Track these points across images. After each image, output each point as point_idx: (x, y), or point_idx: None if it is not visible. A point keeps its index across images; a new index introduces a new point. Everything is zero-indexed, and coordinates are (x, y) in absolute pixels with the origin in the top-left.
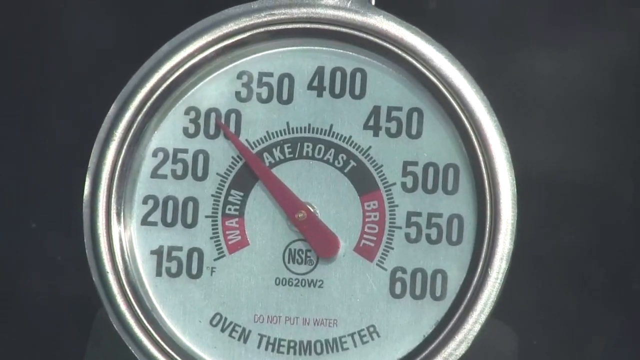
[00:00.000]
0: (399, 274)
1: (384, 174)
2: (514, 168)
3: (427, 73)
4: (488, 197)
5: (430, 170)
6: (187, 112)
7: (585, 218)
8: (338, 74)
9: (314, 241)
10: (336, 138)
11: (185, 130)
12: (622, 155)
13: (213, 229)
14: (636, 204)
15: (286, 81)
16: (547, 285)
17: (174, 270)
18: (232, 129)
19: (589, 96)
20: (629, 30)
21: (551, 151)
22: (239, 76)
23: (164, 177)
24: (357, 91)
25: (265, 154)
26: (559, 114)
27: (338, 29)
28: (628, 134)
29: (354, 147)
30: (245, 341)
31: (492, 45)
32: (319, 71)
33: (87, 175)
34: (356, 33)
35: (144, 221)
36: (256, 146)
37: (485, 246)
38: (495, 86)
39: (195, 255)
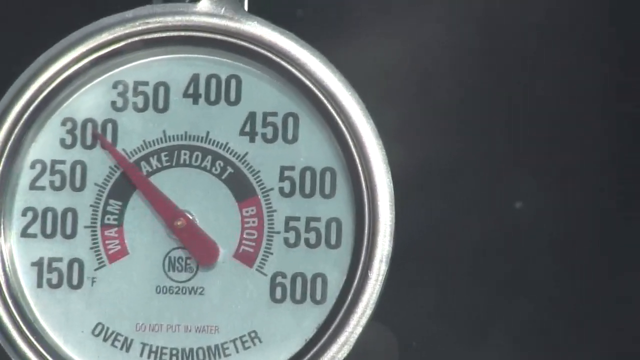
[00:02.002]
0: (279, 279)
1: (261, 180)
2: (392, 169)
3: (302, 77)
4: (366, 200)
5: (307, 174)
6: (63, 123)
7: (470, 212)
8: (213, 81)
9: (193, 248)
10: (213, 145)
11: (62, 142)
12: (499, 144)
13: (93, 239)
14: (512, 196)
15: (162, 89)
16: (428, 285)
17: (54, 281)
18: (108, 138)
19: (462, 88)
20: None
21: (429, 149)
22: (115, 86)
23: (43, 188)
24: (233, 98)
25: (143, 163)
26: (436, 110)
27: (212, 36)
28: (502, 123)
29: (230, 154)
30: (127, 350)
31: (365, 46)
32: (194, 79)
33: None
34: (230, 39)
35: (24, 233)
36: (133, 155)
37: (364, 249)
38: (370, 88)
39: (76, 265)
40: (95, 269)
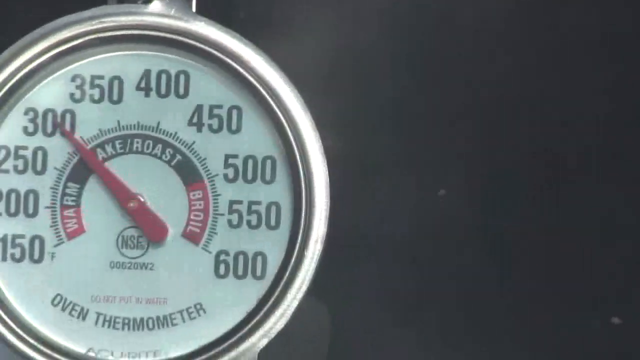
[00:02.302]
0: (222, 257)
1: (207, 166)
2: (327, 159)
3: (246, 74)
4: (303, 186)
5: (250, 162)
6: (26, 113)
7: (403, 200)
8: (164, 76)
9: (145, 227)
10: (163, 134)
11: (25, 129)
12: (429, 138)
13: (52, 218)
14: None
15: (116, 83)
16: (364, 264)
17: (17, 255)
18: (67, 127)
19: (397, 84)
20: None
21: (364, 141)
22: (73, 79)
23: (7, 172)
24: (182, 91)
25: (99, 150)
26: (371, 104)
27: (162, 34)
28: (434, 118)
29: (179, 142)
30: (84, 319)
31: (304, 44)
32: (146, 74)
33: None
34: (179, 38)
35: None
36: (90, 142)
37: (301, 230)
38: (308, 83)
39: (37, 242)
40: (55, 245)
